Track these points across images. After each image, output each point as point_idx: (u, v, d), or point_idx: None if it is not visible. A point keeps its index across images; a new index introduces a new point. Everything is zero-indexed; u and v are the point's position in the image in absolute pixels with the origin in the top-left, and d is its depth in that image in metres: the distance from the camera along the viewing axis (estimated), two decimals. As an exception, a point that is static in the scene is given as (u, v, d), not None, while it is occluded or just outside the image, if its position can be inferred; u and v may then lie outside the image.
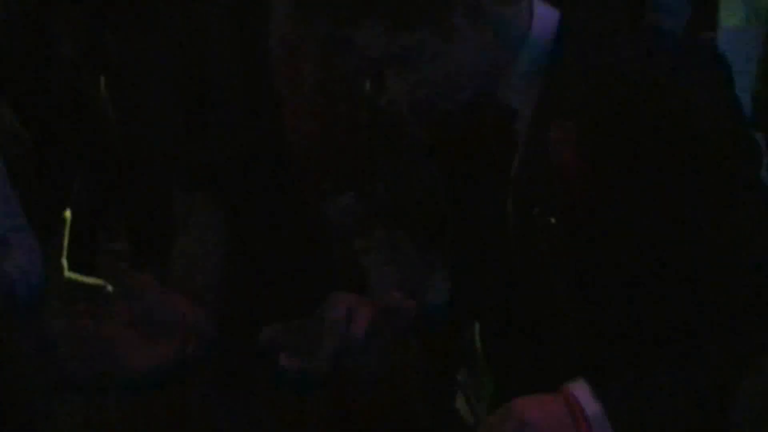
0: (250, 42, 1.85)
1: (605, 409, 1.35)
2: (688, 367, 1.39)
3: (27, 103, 3.42)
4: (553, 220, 1.45)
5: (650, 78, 1.43)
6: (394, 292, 1.53)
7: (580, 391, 1.37)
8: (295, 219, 1.86)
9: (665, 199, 1.41)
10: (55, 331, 2.26)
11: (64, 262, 3.07)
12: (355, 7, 1.47)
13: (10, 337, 2.09)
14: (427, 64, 1.48)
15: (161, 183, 3.32)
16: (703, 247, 1.41)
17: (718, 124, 1.43)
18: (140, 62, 3.11)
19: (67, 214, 3.13)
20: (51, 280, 3.25)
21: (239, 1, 3.27)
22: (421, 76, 1.49)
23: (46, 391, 2.10)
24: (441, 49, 1.46)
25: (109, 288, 3.44)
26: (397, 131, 1.76)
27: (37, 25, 2.75)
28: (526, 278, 1.54)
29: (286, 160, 1.87)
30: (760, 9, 5.76)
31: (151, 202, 3.34)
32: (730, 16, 5.73)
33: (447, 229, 1.66)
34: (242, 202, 1.87)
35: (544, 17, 1.51)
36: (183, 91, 3.35)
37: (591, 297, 1.48)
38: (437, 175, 1.64)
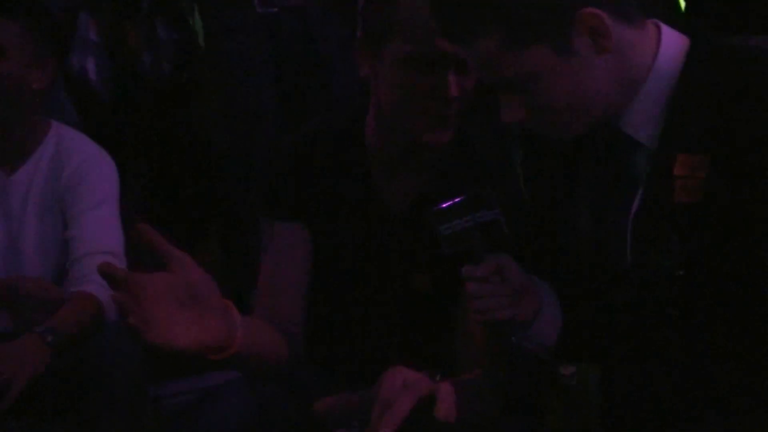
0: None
1: None
2: None
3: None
4: (674, 262, 1.38)
5: None
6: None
7: None
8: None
9: None
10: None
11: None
12: (466, 23, 1.42)
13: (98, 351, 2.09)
14: (542, 89, 1.41)
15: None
16: None
17: None
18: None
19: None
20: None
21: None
22: (536, 101, 1.43)
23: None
24: (558, 72, 1.40)
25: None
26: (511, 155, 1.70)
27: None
28: (640, 319, 1.47)
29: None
30: None
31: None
32: None
33: (560, 263, 1.61)
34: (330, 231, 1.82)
35: (673, 44, 1.43)
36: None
37: (706, 340, 1.41)
38: (553, 206, 1.58)
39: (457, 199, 1.52)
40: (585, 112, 1.43)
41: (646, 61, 1.42)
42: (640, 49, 1.42)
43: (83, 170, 2.30)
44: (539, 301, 1.55)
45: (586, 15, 1.37)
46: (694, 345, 1.42)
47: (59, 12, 3.18)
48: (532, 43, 1.39)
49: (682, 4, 3.05)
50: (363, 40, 1.73)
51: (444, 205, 1.53)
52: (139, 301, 1.42)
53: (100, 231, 2.27)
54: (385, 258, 1.81)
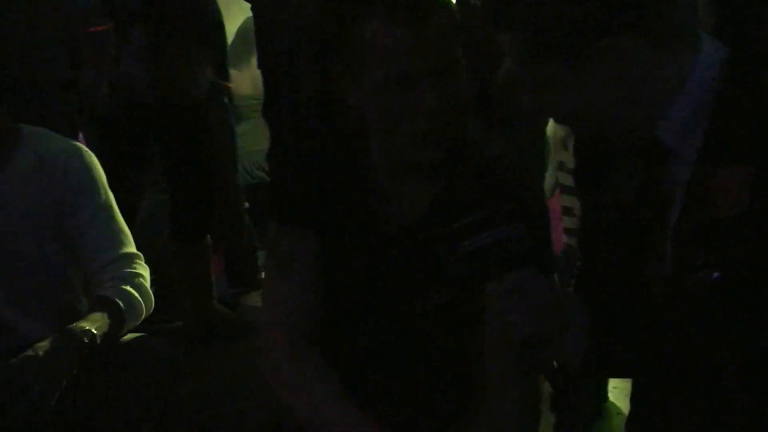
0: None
1: None
2: None
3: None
4: (716, 275, 1.32)
5: None
6: None
7: None
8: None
9: None
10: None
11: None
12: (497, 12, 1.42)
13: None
14: (554, 96, 1.40)
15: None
16: None
17: None
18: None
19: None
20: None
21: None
22: (550, 103, 1.41)
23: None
24: (571, 85, 1.37)
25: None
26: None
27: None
28: (676, 335, 1.41)
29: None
30: None
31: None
32: None
33: (590, 275, 1.55)
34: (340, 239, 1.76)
35: (712, 55, 1.39)
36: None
37: (747, 355, 1.35)
38: (583, 214, 1.54)
39: (476, 216, 1.48)
40: (595, 124, 1.42)
41: (678, 77, 1.38)
42: (669, 70, 1.38)
43: (78, 170, 2.21)
44: (566, 317, 1.51)
45: (605, 44, 1.36)
46: (730, 365, 1.37)
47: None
48: (550, 55, 1.37)
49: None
50: (341, 70, 1.69)
51: (463, 222, 1.48)
52: None
53: (118, 233, 2.22)
54: (394, 275, 1.76)
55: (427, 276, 1.73)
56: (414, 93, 1.62)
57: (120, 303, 2.11)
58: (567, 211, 3.34)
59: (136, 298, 2.15)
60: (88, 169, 2.22)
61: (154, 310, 2.24)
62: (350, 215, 1.77)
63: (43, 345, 1.96)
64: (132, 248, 2.23)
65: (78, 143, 2.29)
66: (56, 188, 2.18)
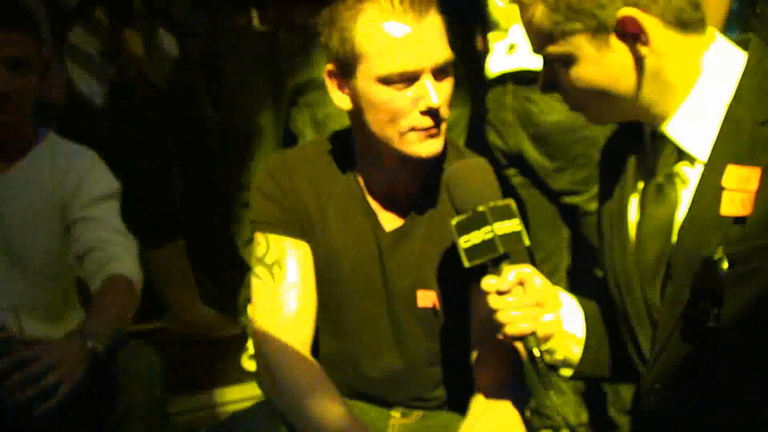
0: None
1: None
2: None
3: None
4: (724, 273, 1.32)
5: None
6: None
7: None
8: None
9: None
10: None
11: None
12: None
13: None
14: (576, 72, 1.41)
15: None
16: None
17: None
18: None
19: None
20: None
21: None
22: (570, 81, 1.42)
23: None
24: (593, 62, 1.39)
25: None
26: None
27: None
28: (676, 336, 1.41)
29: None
30: None
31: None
32: None
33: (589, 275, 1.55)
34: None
35: (727, 56, 1.41)
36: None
37: (751, 356, 1.36)
38: (584, 212, 1.53)
39: (473, 212, 1.47)
40: (613, 104, 1.43)
41: (693, 69, 1.40)
42: (687, 57, 1.40)
43: (88, 174, 2.29)
44: (562, 314, 1.52)
45: (625, 17, 1.37)
46: (730, 363, 1.37)
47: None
48: (574, 30, 1.39)
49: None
50: (333, 70, 1.69)
51: (462, 218, 1.48)
52: None
53: (109, 216, 2.27)
54: (386, 277, 1.76)
55: (417, 275, 1.73)
56: (413, 87, 1.63)
57: (130, 276, 2.15)
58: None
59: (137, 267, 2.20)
60: (98, 172, 2.31)
61: (138, 314, 2.23)
62: (341, 223, 1.76)
63: (59, 341, 1.97)
64: (122, 243, 2.27)
65: (98, 157, 2.37)
66: (67, 186, 2.26)
